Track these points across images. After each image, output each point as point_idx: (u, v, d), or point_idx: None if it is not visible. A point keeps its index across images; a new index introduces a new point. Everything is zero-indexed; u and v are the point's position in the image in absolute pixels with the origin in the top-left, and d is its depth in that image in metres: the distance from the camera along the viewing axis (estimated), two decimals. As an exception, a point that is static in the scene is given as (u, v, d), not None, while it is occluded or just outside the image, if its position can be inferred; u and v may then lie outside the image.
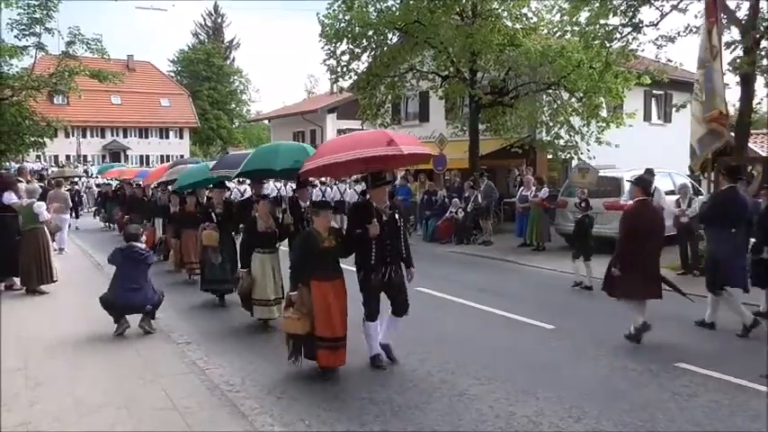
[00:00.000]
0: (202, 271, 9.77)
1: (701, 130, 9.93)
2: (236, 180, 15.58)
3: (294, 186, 8.96)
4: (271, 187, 18.76)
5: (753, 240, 7.85)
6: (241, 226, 9.00)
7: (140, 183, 18.76)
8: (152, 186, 16.63)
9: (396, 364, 6.44)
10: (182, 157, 48.74)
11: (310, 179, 10.89)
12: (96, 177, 32.57)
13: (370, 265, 6.13)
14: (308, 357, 6.11)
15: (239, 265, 8.30)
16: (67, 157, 48.15)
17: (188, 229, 11.32)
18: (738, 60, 11.82)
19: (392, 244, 6.21)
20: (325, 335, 5.91)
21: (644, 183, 7.43)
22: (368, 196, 6.38)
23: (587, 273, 10.15)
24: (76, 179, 30.62)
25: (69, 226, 20.23)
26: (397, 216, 6.36)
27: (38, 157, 38.87)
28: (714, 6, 9.35)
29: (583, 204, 10.93)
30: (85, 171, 38.39)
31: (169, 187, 13.86)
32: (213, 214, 9.69)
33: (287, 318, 6.06)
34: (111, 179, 26.36)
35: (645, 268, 7.09)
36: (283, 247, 8.14)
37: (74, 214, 22.04)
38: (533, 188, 15.51)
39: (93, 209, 25.81)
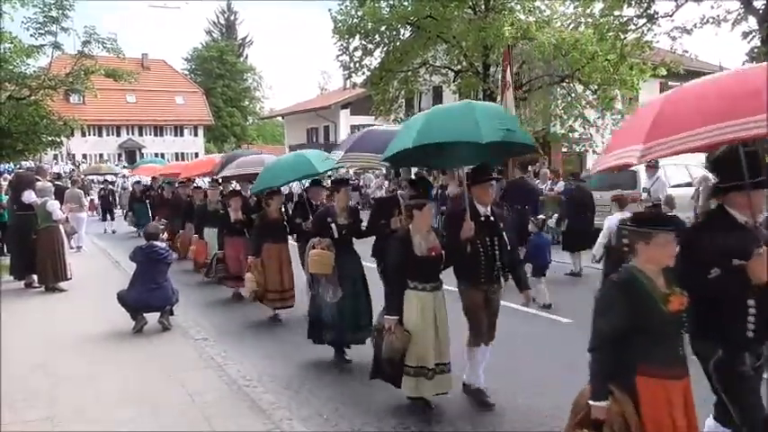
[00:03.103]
0: (314, 309, 6.53)
1: None
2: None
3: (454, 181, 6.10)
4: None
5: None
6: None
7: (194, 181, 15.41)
8: (205, 186, 13.50)
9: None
10: (196, 155, 49.05)
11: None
12: (126, 177, 30.13)
13: (746, 340, 3.29)
14: None
15: (383, 308, 5.16)
16: (84, 156, 48.60)
17: (272, 244, 8.18)
18: (756, 50, 11.70)
19: None
20: None
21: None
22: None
23: None
24: (110, 177, 28.28)
25: (105, 231, 19.94)
26: None
27: (55, 156, 39.23)
28: (508, 54, 11.20)
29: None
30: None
31: (232, 185, 11.22)
32: (334, 225, 6.38)
33: None
34: (140, 177, 23.31)
35: None
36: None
37: (109, 217, 21.21)
38: (549, 181, 15.45)
39: (126, 211, 21.60)
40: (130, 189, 22.76)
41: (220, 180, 12.49)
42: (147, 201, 18.42)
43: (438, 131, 4.87)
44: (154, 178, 19.76)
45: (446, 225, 5.40)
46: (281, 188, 9.22)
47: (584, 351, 3.16)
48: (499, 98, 11.97)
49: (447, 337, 5.08)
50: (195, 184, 14.29)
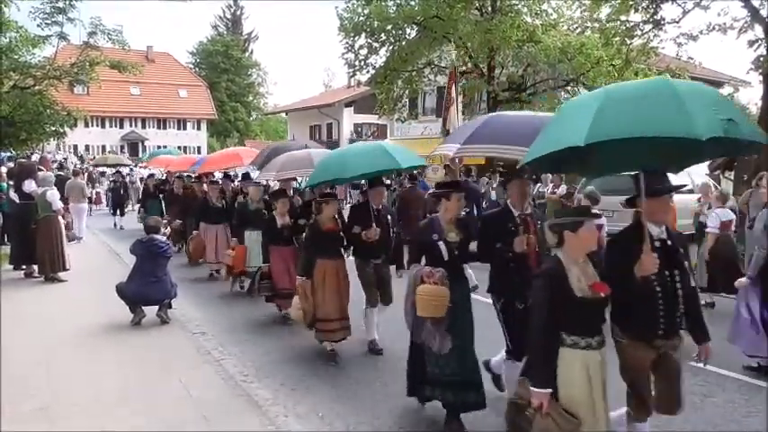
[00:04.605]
0: (417, 357, 4.99)
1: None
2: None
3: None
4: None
5: None
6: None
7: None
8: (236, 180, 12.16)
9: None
10: (199, 150, 49.06)
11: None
12: (133, 171, 27.69)
13: None
14: None
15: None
16: (87, 147, 48.57)
17: (326, 260, 6.49)
18: (762, 58, 11.68)
19: None
20: None
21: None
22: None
23: None
24: (121, 169, 25.76)
25: (115, 225, 19.01)
26: None
27: (57, 146, 39.26)
28: (454, 74, 12.63)
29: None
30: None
31: (269, 182, 10.08)
32: (442, 244, 4.75)
33: None
34: (154, 168, 21.14)
35: None
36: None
37: (118, 211, 19.46)
38: (551, 185, 15.43)
39: (138, 206, 19.39)
40: (139, 183, 21.47)
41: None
42: (161, 197, 16.39)
43: (628, 123, 3.09)
44: (169, 172, 18.22)
45: (610, 254, 3.85)
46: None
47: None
48: (445, 114, 12.51)
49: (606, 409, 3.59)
50: (212, 179, 12.58)
